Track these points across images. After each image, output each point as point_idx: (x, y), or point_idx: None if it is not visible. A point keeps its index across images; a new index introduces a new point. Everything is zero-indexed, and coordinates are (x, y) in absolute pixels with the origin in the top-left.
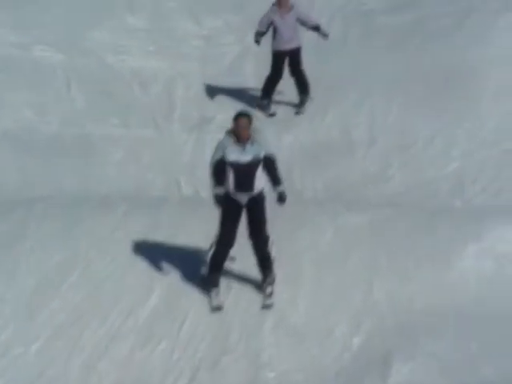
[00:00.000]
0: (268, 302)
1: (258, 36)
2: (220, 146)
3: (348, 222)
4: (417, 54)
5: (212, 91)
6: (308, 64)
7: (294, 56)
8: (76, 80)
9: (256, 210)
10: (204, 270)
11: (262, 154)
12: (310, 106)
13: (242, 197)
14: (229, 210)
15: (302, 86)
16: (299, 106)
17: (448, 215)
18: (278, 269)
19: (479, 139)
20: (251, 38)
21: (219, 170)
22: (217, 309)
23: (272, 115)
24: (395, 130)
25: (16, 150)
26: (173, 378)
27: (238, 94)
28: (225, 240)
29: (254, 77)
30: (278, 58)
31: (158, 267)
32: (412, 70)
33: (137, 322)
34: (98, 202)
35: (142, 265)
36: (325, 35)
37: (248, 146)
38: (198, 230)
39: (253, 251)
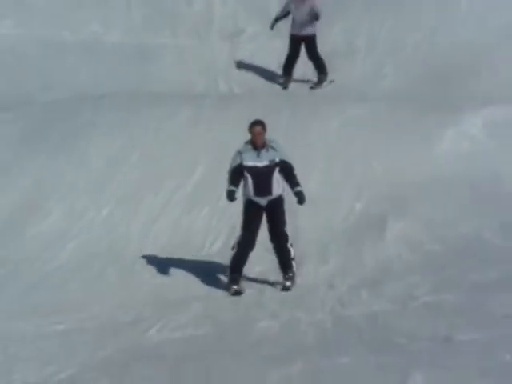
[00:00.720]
0: (287, 284)
1: (275, 20)
2: (237, 154)
3: (352, 114)
4: None
5: (244, 9)
6: None
7: (308, 42)
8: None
9: (275, 211)
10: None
11: (277, 159)
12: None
13: (262, 200)
14: (250, 214)
15: (320, 68)
16: (316, 84)
17: (432, 107)
18: (294, 149)
19: (459, 42)
20: None
21: (236, 173)
22: (236, 293)
23: (285, 88)
24: (388, 39)
25: (86, 56)
26: (213, 237)
27: (264, 11)
28: (246, 242)
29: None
30: (292, 40)
31: (200, 149)
32: None
33: (184, 193)
34: (152, 98)
35: (187, 148)
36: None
37: (263, 152)
38: (232, 121)
39: (274, 250)
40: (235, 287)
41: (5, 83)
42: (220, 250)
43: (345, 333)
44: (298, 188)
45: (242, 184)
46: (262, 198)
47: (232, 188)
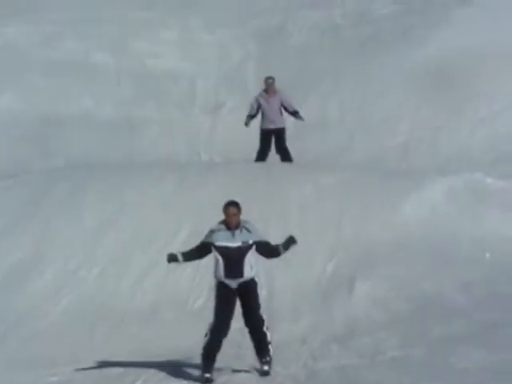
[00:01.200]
0: (265, 368)
1: (249, 118)
2: (210, 233)
3: (324, 182)
4: (371, 57)
5: (225, 85)
6: (293, 64)
7: (279, 135)
8: (124, 77)
9: (248, 295)
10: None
11: (250, 241)
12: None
13: (232, 283)
14: (222, 298)
15: (286, 161)
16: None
17: (396, 175)
18: (271, 213)
19: (418, 119)
20: (253, 46)
21: (201, 247)
22: (207, 381)
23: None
24: (358, 112)
25: (80, 128)
26: (196, 295)
27: (242, 87)
28: (218, 329)
29: (254, 76)
30: (264, 135)
31: (184, 213)
32: (368, 69)
33: None
34: (139, 166)
35: (172, 212)
36: (301, 119)
37: (237, 233)
38: (213, 187)
39: (249, 335)
40: (207, 375)
41: (6, 153)
42: (202, 307)
43: (325, 379)
44: (283, 244)
45: (213, 265)
46: (233, 280)
47: (177, 253)
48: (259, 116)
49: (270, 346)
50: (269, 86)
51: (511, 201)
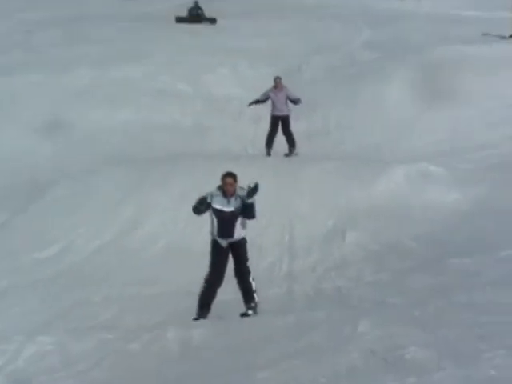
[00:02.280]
0: (249, 312)
1: (255, 102)
2: (209, 195)
3: (325, 167)
4: (356, 87)
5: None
6: (306, 91)
7: (284, 121)
8: (197, 98)
9: (238, 251)
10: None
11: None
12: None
13: (223, 242)
14: (215, 253)
15: (291, 142)
16: (288, 154)
17: (372, 163)
18: (290, 187)
19: (387, 127)
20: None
21: (201, 202)
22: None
23: (269, 155)
24: (347, 122)
25: (170, 133)
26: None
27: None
28: (213, 279)
29: None
30: (273, 120)
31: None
32: (354, 95)
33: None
34: (207, 156)
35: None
36: (300, 103)
37: (232, 200)
38: (255, 168)
39: (237, 284)
40: (199, 318)
41: (124, 148)
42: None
43: (321, 298)
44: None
45: (209, 224)
46: (224, 239)
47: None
48: (269, 105)
49: (255, 295)
50: (277, 83)
51: (445, 181)
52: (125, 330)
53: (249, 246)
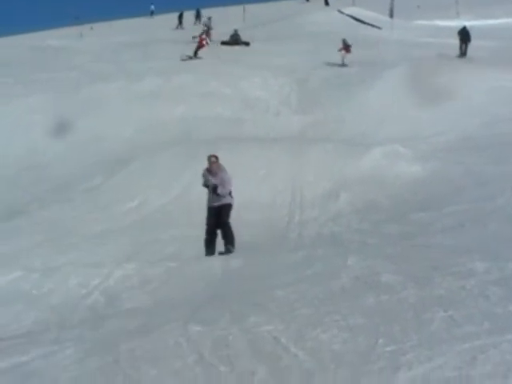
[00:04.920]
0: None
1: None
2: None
3: (327, 146)
4: (347, 93)
5: (281, 104)
6: (313, 94)
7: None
8: (236, 99)
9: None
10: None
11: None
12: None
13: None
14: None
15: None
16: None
17: (360, 145)
18: (303, 162)
19: (370, 120)
20: (295, 86)
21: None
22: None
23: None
24: (343, 116)
25: (214, 122)
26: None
27: (289, 105)
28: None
29: (295, 100)
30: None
31: (270, 159)
32: (346, 97)
33: None
34: (244, 139)
35: (266, 158)
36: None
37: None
38: (277, 146)
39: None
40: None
41: (181, 133)
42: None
43: (321, 240)
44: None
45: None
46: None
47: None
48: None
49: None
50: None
51: (409, 158)
52: (184, 260)
53: (271, 204)
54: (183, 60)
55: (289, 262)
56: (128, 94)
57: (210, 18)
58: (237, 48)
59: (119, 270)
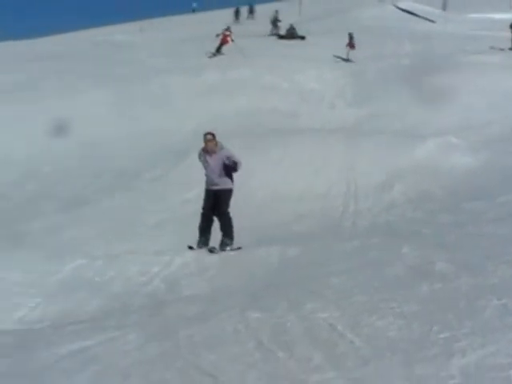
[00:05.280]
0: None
1: None
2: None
3: (380, 138)
4: (400, 85)
5: (336, 96)
6: (368, 86)
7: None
8: (292, 92)
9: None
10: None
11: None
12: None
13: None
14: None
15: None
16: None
17: (414, 137)
18: (357, 153)
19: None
20: (350, 79)
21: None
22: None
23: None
24: (391, 112)
25: (268, 114)
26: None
27: (344, 97)
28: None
29: (350, 92)
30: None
31: (317, 148)
32: (397, 91)
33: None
34: (297, 130)
35: (313, 150)
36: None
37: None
38: (331, 135)
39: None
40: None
41: (226, 125)
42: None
43: (375, 229)
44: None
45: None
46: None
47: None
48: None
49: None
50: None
51: (462, 148)
52: (241, 249)
53: (325, 194)
54: (209, 57)
55: (344, 251)
56: (189, 87)
57: (277, 11)
58: (293, 42)
59: (179, 258)
